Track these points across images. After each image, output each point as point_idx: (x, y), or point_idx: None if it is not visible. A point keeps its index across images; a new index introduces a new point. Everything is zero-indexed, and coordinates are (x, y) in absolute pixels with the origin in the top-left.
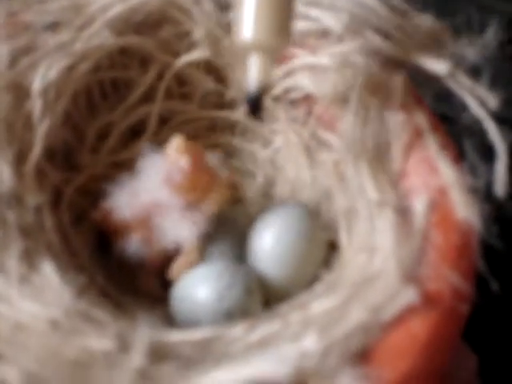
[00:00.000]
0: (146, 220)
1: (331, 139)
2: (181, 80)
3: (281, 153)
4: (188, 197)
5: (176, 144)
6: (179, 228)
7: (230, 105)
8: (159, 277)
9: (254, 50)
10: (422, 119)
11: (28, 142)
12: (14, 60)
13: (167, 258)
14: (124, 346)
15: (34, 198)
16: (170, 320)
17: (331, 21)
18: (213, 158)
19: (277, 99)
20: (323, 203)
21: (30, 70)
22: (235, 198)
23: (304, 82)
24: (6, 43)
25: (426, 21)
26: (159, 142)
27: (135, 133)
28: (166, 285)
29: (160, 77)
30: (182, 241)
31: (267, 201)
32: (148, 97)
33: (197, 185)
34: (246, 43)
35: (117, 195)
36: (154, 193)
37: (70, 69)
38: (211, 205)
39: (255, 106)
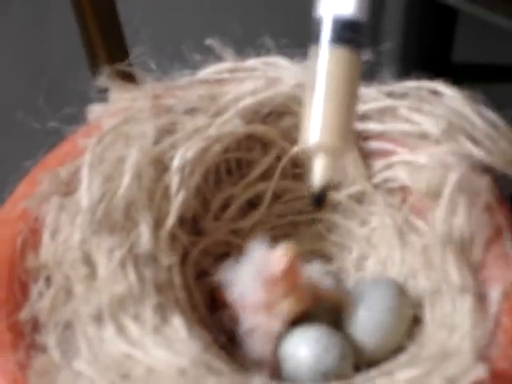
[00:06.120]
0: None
1: (421, 226)
2: (295, 163)
3: (376, 232)
4: (268, 293)
5: (284, 250)
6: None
7: (335, 186)
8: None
9: (319, 152)
10: (502, 219)
11: (165, 210)
12: (157, 138)
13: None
14: None
15: (167, 258)
16: (277, 377)
17: (430, 125)
18: (315, 269)
19: (376, 186)
20: (409, 281)
21: (171, 149)
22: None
23: (401, 175)
24: (151, 123)
25: None
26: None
27: (252, 205)
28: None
29: (278, 159)
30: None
31: (359, 273)
32: (266, 175)
33: (279, 286)
34: (313, 146)
35: (224, 273)
36: (246, 284)
37: (204, 150)
38: (285, 307)
39: (319, 200)
